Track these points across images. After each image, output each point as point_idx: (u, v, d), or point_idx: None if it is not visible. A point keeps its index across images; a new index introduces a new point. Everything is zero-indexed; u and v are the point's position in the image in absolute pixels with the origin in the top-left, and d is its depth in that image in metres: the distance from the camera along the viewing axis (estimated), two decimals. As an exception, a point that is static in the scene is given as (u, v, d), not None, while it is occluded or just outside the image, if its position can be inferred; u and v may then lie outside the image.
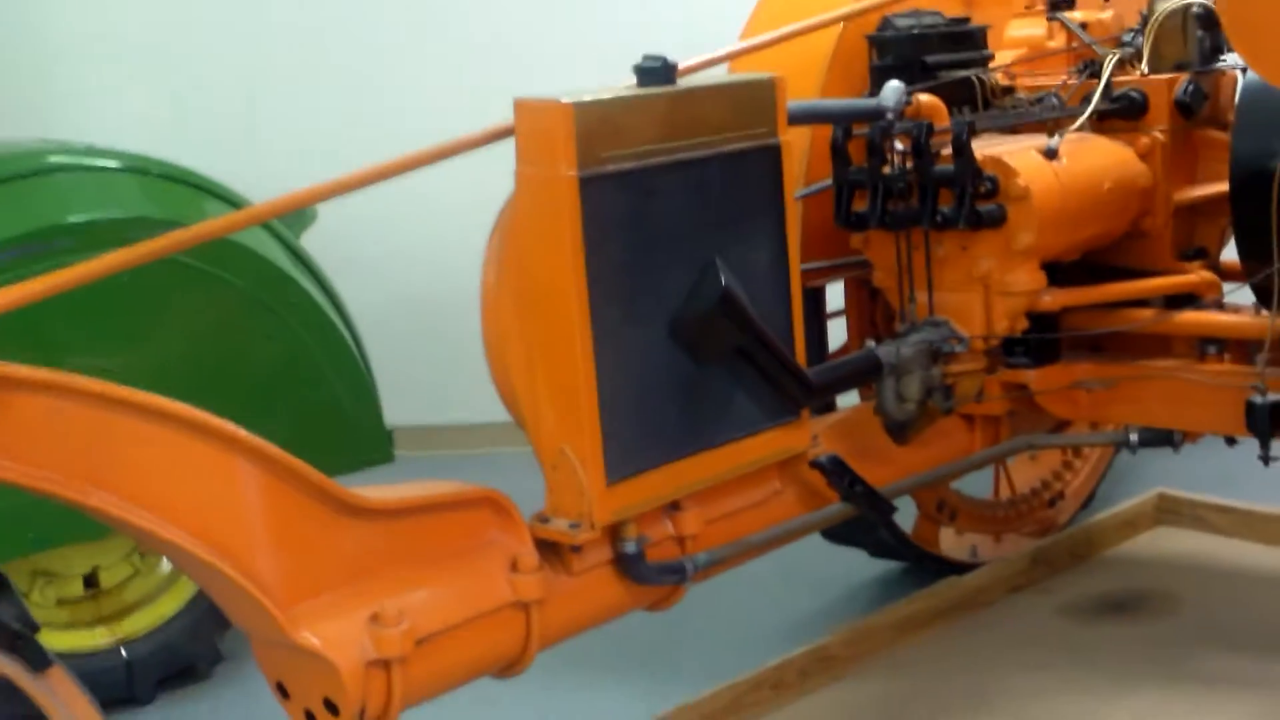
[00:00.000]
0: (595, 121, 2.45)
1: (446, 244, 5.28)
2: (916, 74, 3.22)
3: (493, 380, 2.65)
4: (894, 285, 3.19)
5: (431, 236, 5.33)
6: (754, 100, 2.71)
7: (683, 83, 2.62)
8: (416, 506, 2.43)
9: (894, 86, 2.95)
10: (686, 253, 2.64)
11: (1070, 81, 3.37)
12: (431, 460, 5.07)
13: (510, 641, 2.53)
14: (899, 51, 3.25)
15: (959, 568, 3.97)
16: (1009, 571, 3.92)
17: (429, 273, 5.41)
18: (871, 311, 3.60)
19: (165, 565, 3.80)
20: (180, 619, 3.76)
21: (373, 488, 2.42)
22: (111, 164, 3.68)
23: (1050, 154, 3.06)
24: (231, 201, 3.83)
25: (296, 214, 4.08)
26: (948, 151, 3.01)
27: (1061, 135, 3.10)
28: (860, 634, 3.55)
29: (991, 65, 3.40)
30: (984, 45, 3.42)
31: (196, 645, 3.78)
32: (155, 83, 5.52)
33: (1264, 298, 3.11)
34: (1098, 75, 3.36)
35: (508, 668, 2.56)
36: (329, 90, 5.49)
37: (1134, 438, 3.32)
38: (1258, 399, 3.04)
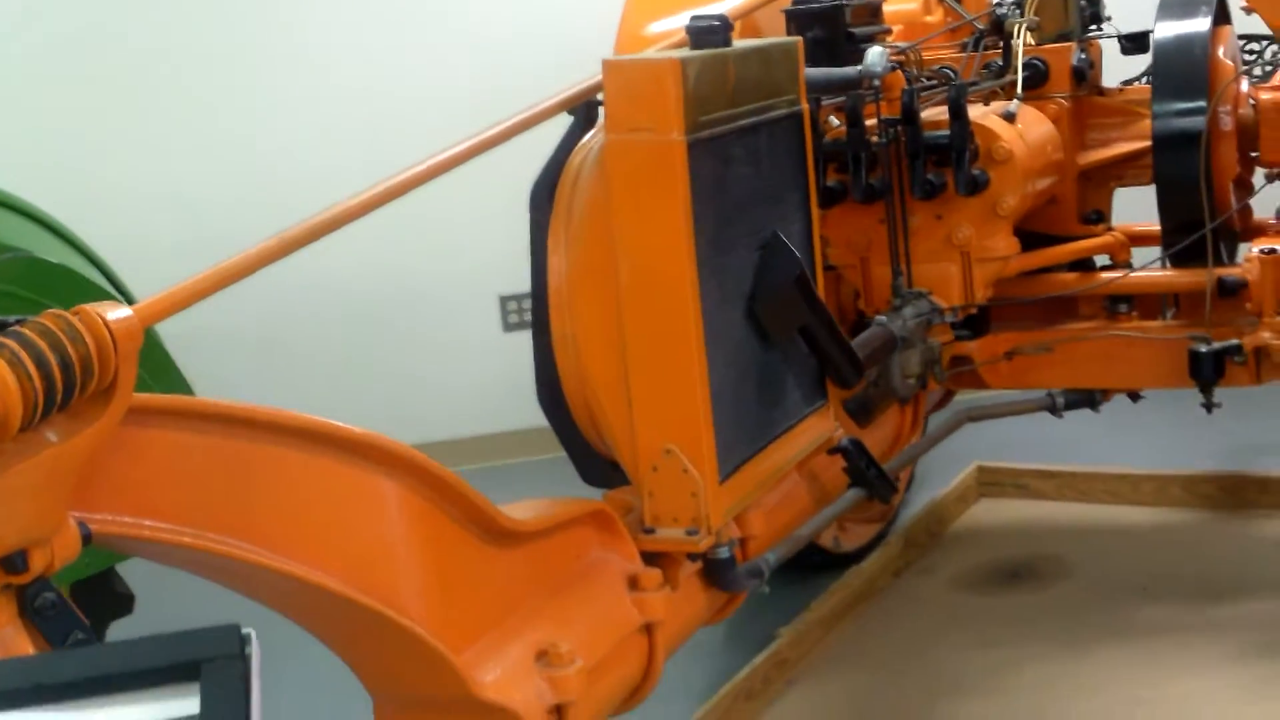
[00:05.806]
0: (695, 82, 2.22)
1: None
2: (843, 46, 3.12)
3: (562, 381, 2.36)
4: (855, 261, 3.09)
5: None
6: (786, 64, 2.55)
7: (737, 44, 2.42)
8: (550, 527, 2.12)
9: (879, 52, 2.84)
10: (750, 226, 2.44)
11: (969, 54, 3.37)
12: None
13: (635, 668, 2.26)
14: (825, 25, 3.14)
15: (833, 559, 3.90)
16: (890, 555, 3.89)
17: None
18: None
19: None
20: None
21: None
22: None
23: (1009, 118, 3.04)
24: (29, 214, 3.32)
25: None
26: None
27: (1018, 101, 3.08)
28: (802, 634, 3.41)
29: (892, 38, 3.36)
30: (882, 18, 3.37)
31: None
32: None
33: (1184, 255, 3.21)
34: (989, 48, 3.38)
35: (630, 698, 2.28)
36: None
37: (1060, 401, 3.37)
38: (1202, 348, 3.13)
